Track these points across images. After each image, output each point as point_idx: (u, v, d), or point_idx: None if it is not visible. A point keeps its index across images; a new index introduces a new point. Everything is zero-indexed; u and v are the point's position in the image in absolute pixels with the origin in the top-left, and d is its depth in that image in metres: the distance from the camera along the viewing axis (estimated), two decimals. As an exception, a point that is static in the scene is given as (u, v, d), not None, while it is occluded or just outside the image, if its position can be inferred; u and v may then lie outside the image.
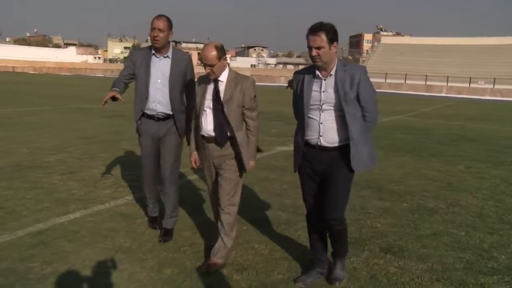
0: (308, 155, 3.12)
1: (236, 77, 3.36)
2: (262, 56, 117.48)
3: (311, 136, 3.06)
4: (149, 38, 3.92)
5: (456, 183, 6.54)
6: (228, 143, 3.40)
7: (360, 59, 75.56)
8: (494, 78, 47.05)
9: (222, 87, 3.33)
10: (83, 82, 39.87)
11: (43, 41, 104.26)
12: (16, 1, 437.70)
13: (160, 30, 3.73)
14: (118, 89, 3.79)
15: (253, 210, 4.92)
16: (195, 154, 3.59)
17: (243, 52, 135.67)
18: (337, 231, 3.18)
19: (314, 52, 2.85)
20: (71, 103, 17.35)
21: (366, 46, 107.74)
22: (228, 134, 3.37)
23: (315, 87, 2.99)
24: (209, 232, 4.10)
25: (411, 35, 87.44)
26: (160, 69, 3.85)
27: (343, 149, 2.99)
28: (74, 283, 3.20)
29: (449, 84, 47.91)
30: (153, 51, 3.86)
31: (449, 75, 48.88)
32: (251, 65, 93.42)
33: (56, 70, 66.83)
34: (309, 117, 3.03)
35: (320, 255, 3.35)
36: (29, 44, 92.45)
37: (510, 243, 4.22)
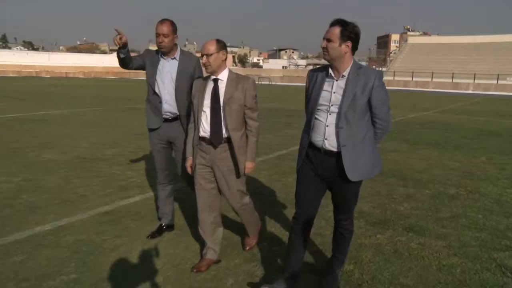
0: (312, 158, 2.86)
1: (236, 77, 3.17)
2: (293, 58, 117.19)
3: (317, 138, 2.79)
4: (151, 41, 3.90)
5: (477, 173, 6.65)
6: (227, 145, 3.18)
7: (388, 59, 74.26)
8: (522, 75, 45.43)
9: (222, 86, 3.12)
10: (128, 84, 41.09)
11: (91, 48, 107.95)
12: (67, 12, 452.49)
13: (164, 35, 3.58)
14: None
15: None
16: (190, 160, 3.32)
17: (275, 54, 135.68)
18: (346, 232, 3.05)
19: (324, 43, 2.61)
20: (121, 103, 18.11)
21: (393, 46, 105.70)
22: (225, 135, 3.15)
23: (326, 87, 2.74)
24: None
25: (438, 35, 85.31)
26: (168, 71, 3.73)
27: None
28: (141, 252, 3.62)
29: (476, 81, 46.60)
30: (160, 54, 3.74)
31: (476, 73, 47.56)
32: (283, 67, 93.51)
33: (103, 74, 69.05)
34: (316, 118, 2.79)
35: (295, 267, 3.01)
36: (79, 51, 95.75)
37: (524, 225, 4.39)
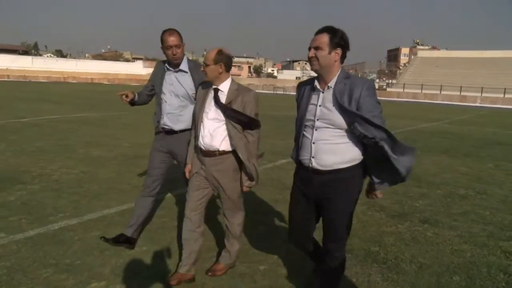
0: (300, 176, 2.59)
1: (238, 89, 2.94)
2: (306, 69, 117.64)
3: (304, 157, 2.50)
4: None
5: (485, 177, 7.02)
6: (226, 157, 2.97)
7: (398, 71, 74.27)
8: (529, 89, 45.22)
9: (223, 97, 2.92)
10: (151, 91, 41.98)
11: (115, 56, 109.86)
12: (93, 22, 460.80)
13: (177, 46, 3.34)
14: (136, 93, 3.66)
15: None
16: (189, 166, 3.16)
17: (288, 65, 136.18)
18: (335, 265, 2.61)
19: (311, 53, 2.34)
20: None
21: (403, 59, 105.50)
22: (221, 148, 2.95)
23: (312, 100, 2.45)
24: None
25: (447, 49, 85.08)
26: (179, 84, 3.49)
27: (340, 173, 2.40)
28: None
29: (484, 94, 46.48)
30: (166, 65, 3.52)
31: (483, 86, 47.44)
32: (296, 77, 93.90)
33: (126, 81, 70.28)
34: (303, 135, 2.50)
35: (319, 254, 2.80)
36: (104, 59, 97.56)
37: (527, 221, 4.78)
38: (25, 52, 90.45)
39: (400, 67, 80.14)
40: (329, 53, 2.31)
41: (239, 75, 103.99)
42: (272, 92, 54.43)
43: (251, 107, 2.93)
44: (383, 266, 3.47)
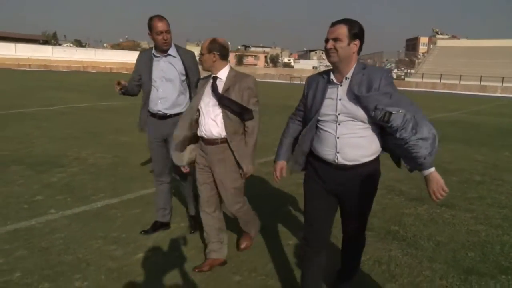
0: (321, 173, 2.47)
1: (235, 76, 2.96)
2: (323, 59, 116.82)
3: (326, 152, 2.39)
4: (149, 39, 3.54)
5: (501, 165, 7.18)
6: (226, 145, 2.95)
7: (416, 61, 73.23)
8: (551, 79, 44.29)
9: (220, 85, 2.94)
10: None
11: (133, 46, 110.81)
12: (111, 12, 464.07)
13: (167, 32, 3.38)
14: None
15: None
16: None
17: (305, 55, 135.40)
18: (356, 247, 2.72)
19: (330, 44, 2.26)
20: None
21: (422, 49, 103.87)
22: (222, 136, 2.94)
23: (329, 94, 2.36)
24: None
25: (467, 38, 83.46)
26: (168, 69, 3.52)
27: (365, 166, 2.38)
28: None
29: (505, 84, 45.65)
30: (153, 52, 3.52)
31: (504, 76, 46.57)
32: (313, 67, 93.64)
33: (144, 71, 71.06)
34: (322, 130, 2.40)
35: None
36: (122, 49, 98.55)
37: (541, 205, 4.97)
38: (46, 42, 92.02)
39: (419, 57, 78.95)
40: (348, 44, 2.25)
41: (256, 65, 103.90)
42: (289, 82, 54.40)
43: (250, 93, 2.93)
44: (402, 243, 3.74)
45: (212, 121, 2.93)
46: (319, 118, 2.39)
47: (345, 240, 2.70)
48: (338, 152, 2.34)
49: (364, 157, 2.36)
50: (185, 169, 3.19)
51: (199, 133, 3.03)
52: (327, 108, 2.35)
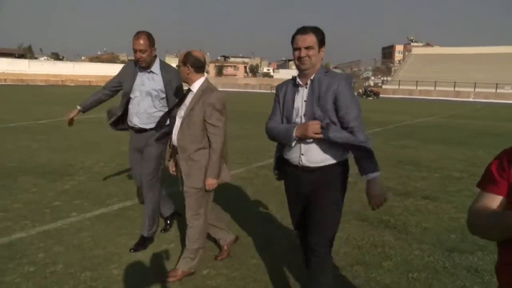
0: (292, 176, 2.57)
1: (204, 90, 3.01)
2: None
3: (292, 155, 2.48)
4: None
5: (478, 162, 7.84)
6: (195, 154, 3.03)
7: (393, 69, 75.28)
8: (520, 84, 46.41)
9: (190, 98, 3.06)
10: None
11: (112, 58, 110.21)
12: (88, 25, 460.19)
13: (141, 51, 3.43)
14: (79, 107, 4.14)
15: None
16: (171, 162, 3.36)
17: (284, 64, 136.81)
18: (321, 259, 2.46)
19: (304, 53, 2.34)
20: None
21: (398, 56, 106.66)
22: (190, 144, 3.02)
23: (298, 96, 2.46)
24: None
25: (440, 45, 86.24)
26: (149, 86, 3.61)
27: (331, 169, 2.42)
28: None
29: (477, 90, 47.53)
30: (138, 66, 3.62)
31: (476, 82, 48.48)
32: (292, 76, 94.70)
33: (124, 83, 70.82)
34: None
35: None
36: (101, 61, 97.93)
37: None
38: (22, 56, 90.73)
39: (395, 64, 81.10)
40: (319, 51, 2.39)
41: (235, 75, 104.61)
42: (269, 91, 55.19)
43: (212, 108, 2.95)
44: (394, 230, 4.26)
45: (182, 133, 3.07)
46: (292, 121, 2.47)
47: (310, 257, 2.51)
48: (302, 155, 2.42)
49: (328, 160, 2.40)
50: (173, 172, 3.38)
51: (171, 141, 3.19)
52: (295, 110, 2.45)
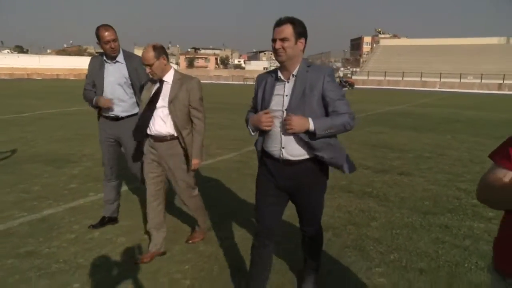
0: (270, 169, 2.53)
1: (181, 78, 3.18)
2: (273, 59, 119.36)
3: (273, 148, 2.47)
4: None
5: (444, 145, 8.73)
6: (176, 142, 3.22)
7: (361, 60, 77.09)
8: (482, 74, 48.85)
9: (167, 88, 3.15)
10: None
11: (79, 51, 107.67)
12: (53, 17, 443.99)
13: (114, 40, 3.59)
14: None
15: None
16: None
17: (255, 56, 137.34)
18: (314, 241, 2.76)
19: (278, 44, 2.32)
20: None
21: (366, 48, 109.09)
22: (171, 133, 3.20)
23: (277, 90, 2.44)
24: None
25: (407, 37, 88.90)
26: (116, 75, 3.75)
27: (311, 162, 2.43)
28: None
29: (442, 80, 49.66)
30: (104, 58, 3.74)
31: (442, 72, 50.60)
32: (264, 68, 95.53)
33: (93, 76, 69.55)
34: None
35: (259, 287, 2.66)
36: (68, 54, 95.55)
37: (473, 171, 6.42)
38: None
39: (364, 56, 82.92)
40: (295, 43, 2.35)
41: (207, 67, 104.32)
42: (242, 82, 55.71)
43: (195, 93, 3.18)
44: (376, 199, 4.97)
45: (161, 121, 3.17)
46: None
47: (304, 238, 2.79)
48: (283, 148, 2.41)
49: (309, 153, 2.40)
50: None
51: (148, 131, 3.22)
52: (275, 104, 2.43)
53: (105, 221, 4.11)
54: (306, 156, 2.40)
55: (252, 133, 2.57)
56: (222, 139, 9.14)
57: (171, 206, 4.60)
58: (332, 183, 5.39)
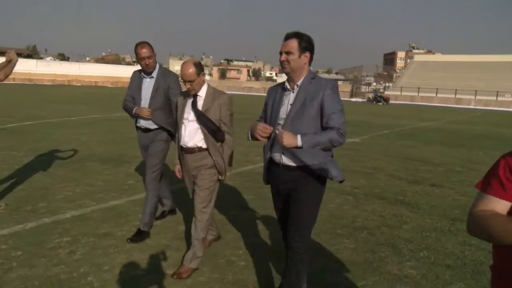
0: (273, 174, 2.70)
1: (214, 93, 3.29)
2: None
3: (275, 153, 2.62)
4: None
5: (476, 160, 8.97)
6: (205, 153, 3.29)
7: (394, 75, 76.58)
8: (520, 92, 47.72)
9: (200, 102, 3.26)
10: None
11: (116, 60, 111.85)
12: (93, 26, 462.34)
13: (149, 58, 3.84)
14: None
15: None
16: (178, 166, 3.51)
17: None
18: (298, 257, 2.58)
19: (283, 57, 2.49)
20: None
21: (399, 63, 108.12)
22: (200, 145, 3.28)
23: (284, 100, 2.60)
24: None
25: (441, 53, 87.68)
26: (146, 89, 4.01)
27: (310, 168, 2.51)
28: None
29: (477, 97, 48.74)
30: (142, 73, 4.04)
31: (477, 89, 49.71)
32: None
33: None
34: (275, 134, 2.55)
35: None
36: (106, 62, 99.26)
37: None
38: (29, 56, 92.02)
39: (397, 71, 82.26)
40: (299, 56, 2.48)
41: (239, 79, 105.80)
42: (273, 95, 56.27)
43: (226, 108, 3.29)
44: (408, 206, 5.36)
45: (191, 134, 3.28)
46: (277, 122, 2.59)
47: (288, 252, 2.66)
48: (283, 154, 2.55)
49: (308, 160, 2.48)
50: (179, 175, 3.53)
51: (179, 143, 3.36)
52: (281, 112, 2.59)
53: (165, 214, 4.68)
54: (305, 163, 2.50)
55: (249, 139, 2.69)
56: (260, 146, 9.66)
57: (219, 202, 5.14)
58: (366, 190, 5.85)
